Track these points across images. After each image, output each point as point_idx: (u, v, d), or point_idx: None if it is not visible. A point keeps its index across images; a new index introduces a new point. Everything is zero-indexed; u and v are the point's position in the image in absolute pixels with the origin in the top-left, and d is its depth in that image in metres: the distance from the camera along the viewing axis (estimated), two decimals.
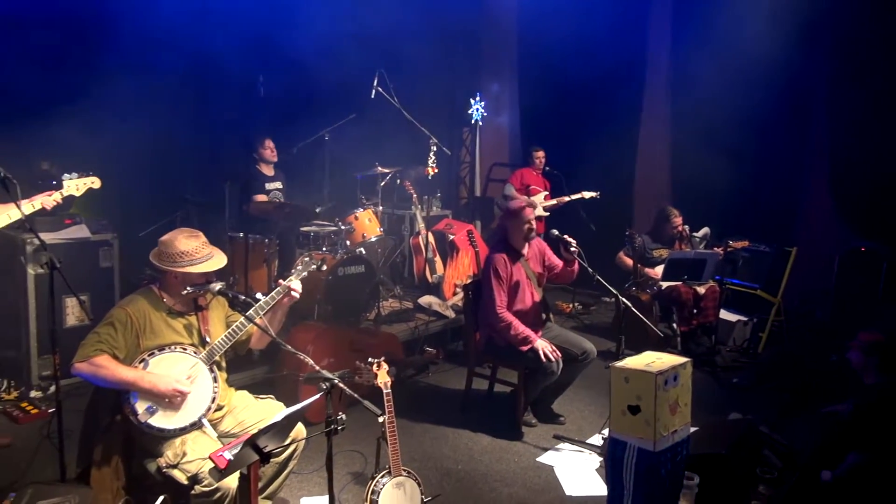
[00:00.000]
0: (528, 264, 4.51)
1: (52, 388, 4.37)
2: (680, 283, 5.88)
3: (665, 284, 5.99)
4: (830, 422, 3.83)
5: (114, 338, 2.88)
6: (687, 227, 6.36)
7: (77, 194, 3.64)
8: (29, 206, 3.46)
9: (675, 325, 6.06)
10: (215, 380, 3.01)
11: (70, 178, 3.61)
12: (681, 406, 3.15)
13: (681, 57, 7.75)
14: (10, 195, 3.06)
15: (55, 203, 3.55)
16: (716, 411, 4.74)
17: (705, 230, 6.67)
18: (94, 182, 3.69)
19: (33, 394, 4.48)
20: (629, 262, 6.26)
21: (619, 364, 3.12)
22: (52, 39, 5.17)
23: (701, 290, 6.00)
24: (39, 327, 4.47)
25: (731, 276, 6.29)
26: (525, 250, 4.52)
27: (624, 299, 4.25)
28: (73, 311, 4.58)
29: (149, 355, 2.91)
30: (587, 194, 7.36)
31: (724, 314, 6.33)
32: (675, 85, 7.94)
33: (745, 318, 6.44)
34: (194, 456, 2.80)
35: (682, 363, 3.15)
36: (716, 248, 6.12)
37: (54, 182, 4.38)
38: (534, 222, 4.48)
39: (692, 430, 3.32)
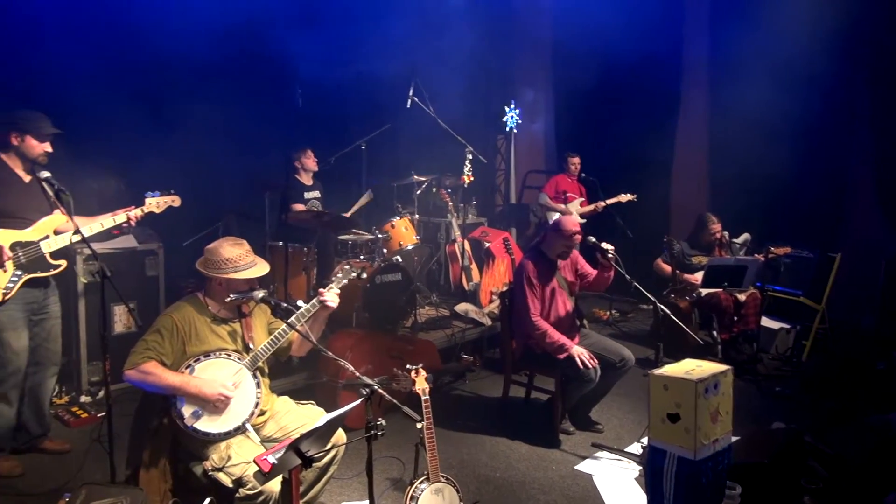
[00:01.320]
0: (559, 273, 4.51)
1: (102, 393, 4.55)
2: (720, 289, 5.79)
3: (705, 291, 5.91)
4: (882, 434, 3.72)
5: (161, 345, 2.97)
6: (726, 234, 6.28)
7: (157, 212, 3.80)
8: (111, 220, 3.64)
9: (714, 332, 5.97)
10: (258, 385, 3.09)
11: (152, 196, 3.76)
12: (722, 414, 3.12)
13: (719, 60, 7.66)
14: (64, 210, 3.19)
15: (136, 219, 3.71)
16: (758, 420, 4.66)
17: (745, 236, 6.57)
18: (175, 201, 3.85)
19: (83, 398, 4.62)
20: (667, 268, 6.19)
21: (659, 371, 3.10)
22: (98, 57, 5.34)
23: (742, 297, 5.90)
24: (89, 334, 4.62)
25: (772, 283, 6.18)
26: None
27: (662, 306, 4.21)
28: (121, 319, 4.73)
29: (194, 361, 3.00)
30: (624, 197, 7.35)
31: (766, 321, 6.21)
32: (713, 88, 7.84)
33: (788, 326, 6.32)
34: (239, 459, 2.87)
35: (723, 371, 3.13)
36: (756, 255, 6.02)
37: (91, 193, 4.54)
38: (575, 247, 4.45)
39: (734, 439, 3.28)
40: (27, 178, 3.59)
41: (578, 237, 4.42)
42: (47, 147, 3.56)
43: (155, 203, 3.78)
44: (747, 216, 6.84)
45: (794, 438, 3.83)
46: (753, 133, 6.89)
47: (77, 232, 3.25)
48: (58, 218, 3.63)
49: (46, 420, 3.94)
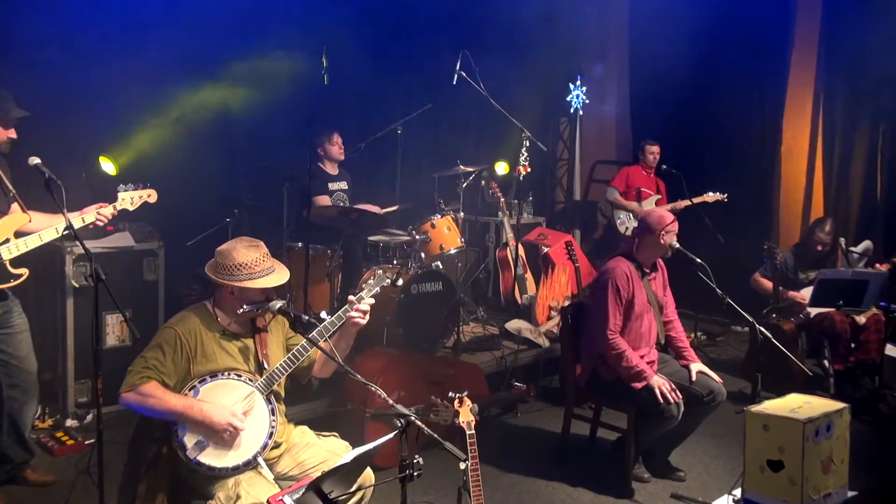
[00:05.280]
0: (650, 285, 4.48)
1: (90, 417, 4.67)
2: (833, 309, 5.67)
3: (814, 311, 5.80)
4: None
5: (162, 363, 3.04)
6: (843, 241, 6.14)
7: (131, 208, 3.89)
8: (79, 219, 3.71)
9: (826, 362, 5.85)
10: (273, 412, 3.13)
11: (125, 191, 3.85)
12: (835, 463, 3.06)
13: (835, 33, 7.49)
14: (55, 200, 3.29)
15: (107, 218, 3.81)
16: (881, 472, 4.54)
17: (866, 244, 6.42)
18: (151, 195, 3.94)
19: (69, 422, 4.75)
20: (768, 284, 6.09)
21: (757, 408, 3.06)
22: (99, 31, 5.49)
23: (861, 319, 5.78)
24: (77, 347, 4.74)
25: None
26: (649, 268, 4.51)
27: (762, 328, 4.15)
28: (113, 330, 4.85)
29: (199, 382, 3.05)
30: (711, 197, 7.30)
31: (891, 350, 6.04)
32: (828, 66, 7.66)
33: None
34: (249, 499, 2.91)
35: (838, 410, 3.07)
36: (880, 266, 5.88)
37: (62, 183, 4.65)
38: (675, 237, 4.41)
39: (850, 494, 3.21)
40: None
41: (675, 226, 4.39)
42: (12, 133, 3.63)
43: (129, 199, 3.86)
44: (869, 219, 6.67)
45: None
46: (876, 120, 6.72)
47: (68, 228, 3.34)
48: (18, 217, 3.67)
49: (29, 446, 4.06)
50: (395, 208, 6.33)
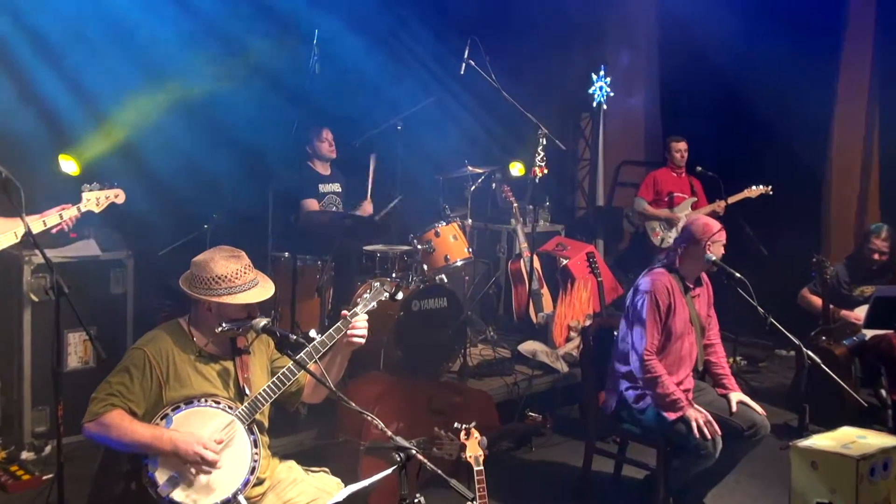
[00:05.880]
0: (693, 303, 4.48)
1: (49, 448, 4.67)
2: (892, 331, 5.67)
3: (870, 333, 5.79)
4: None
5: (129, 388, 3.04)
6: None
7: (97, 210, 3.91)
8: (39, 223, 3.72)
9: (883, 391, 5.84)
10: (255, 444, 3.14)
11: (90, 191, 3.87)
12: None
13: (894, 16, 7.50)
14: (12, 203, 3.30)
15: (72, 220, 3.82)
16: None
17: None
18: (118, 196, 3.97)
19: (25, 455, 4.74)
20: (817, 301, 6.08)
21: (804, 443, 3.06)
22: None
23: None
24: (35, 369, 4.74)
25: None
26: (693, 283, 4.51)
27: (810, 353, 4.14)
28: (75, 350, 4.85)
29: (172, 410, 3.06)
30: (754, 191, 7.33)
31: None
32: (885, 54, 7.67)
33: None
34: None
35: None
36: None
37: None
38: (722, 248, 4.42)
39: None
40: None
41: (722, 235, 4.40)
42: None
43: (94, 199, 3.88)
44: None
45: None
46: None
47: (28, 233, 3.36)
48: None
49: None
50: (392, 204, 6.30)
